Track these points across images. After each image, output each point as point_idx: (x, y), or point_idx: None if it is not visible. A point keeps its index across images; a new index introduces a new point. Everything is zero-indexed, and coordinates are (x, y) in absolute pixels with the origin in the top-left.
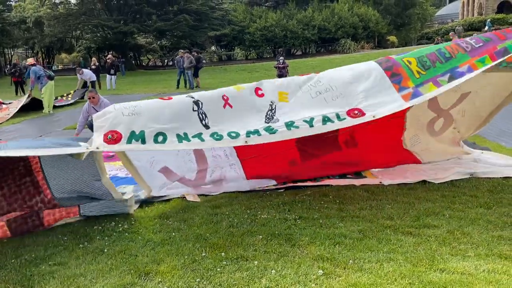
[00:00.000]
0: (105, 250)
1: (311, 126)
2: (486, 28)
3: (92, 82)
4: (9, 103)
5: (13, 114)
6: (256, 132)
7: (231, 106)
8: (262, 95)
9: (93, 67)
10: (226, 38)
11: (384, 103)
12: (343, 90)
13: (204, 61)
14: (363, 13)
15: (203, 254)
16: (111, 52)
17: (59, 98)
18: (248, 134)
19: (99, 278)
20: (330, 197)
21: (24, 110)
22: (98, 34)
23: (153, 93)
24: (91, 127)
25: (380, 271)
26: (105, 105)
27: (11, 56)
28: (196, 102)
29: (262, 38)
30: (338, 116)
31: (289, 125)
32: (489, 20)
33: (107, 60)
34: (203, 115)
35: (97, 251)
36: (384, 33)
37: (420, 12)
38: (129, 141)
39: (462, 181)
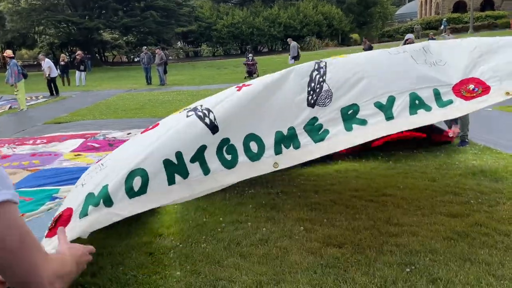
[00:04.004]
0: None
1: (389, 118)
2: (442, 27)
3: (53, 78)
4: None
5: None
6: (292, 138)
7: (250, 86)
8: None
9: (62, 63)
10: (193, 35)
11: None
12: (453, 58)
13: (170, 58)
14: (327, 12)
15: (204, 220)
16: (75, 48)
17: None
18: (278, 147)
19: (121, 240)
20: (305, 175)
21: None
22: (62, 30)
23: (124, 89)
24: None
25: (348, 226)
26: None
27: None
28: (193, 109)
29: (229, 35)
30: (437, 96)
31: (350, 117)
32: (445, 19)
33: (76, 56)
34: (205, 110)
35: None
36: (347, 31)
37: (381, 11)
38: (83, 214)
39: (414, 161)
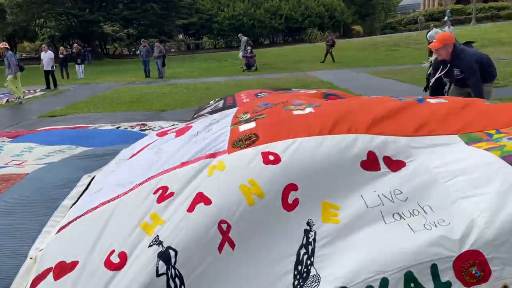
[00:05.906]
0: None
1: None
2: (446, 18)
3: (51, 72)
4: None
5: None
6: None
7: (233, 246)
8: (295, 203)
9: (61, 56)
10: (194, 27)
11: None
12: (446, 213)
13: (172, 50)
14: (329, 3)
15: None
16: (76, 41)
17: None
18: None
19: None
20: None
21: None
22: (63, 22)
23: (122, 82)
24: None
25: None
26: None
27: None
28: (165, 256)
29: (230, 27)
30: (435, 274)
31: None
32: (448, 10)
33: (73, 50)
34: (177, 279)
35: None
36: (349, 23)
37: (384, 2)
38: None
39: None
